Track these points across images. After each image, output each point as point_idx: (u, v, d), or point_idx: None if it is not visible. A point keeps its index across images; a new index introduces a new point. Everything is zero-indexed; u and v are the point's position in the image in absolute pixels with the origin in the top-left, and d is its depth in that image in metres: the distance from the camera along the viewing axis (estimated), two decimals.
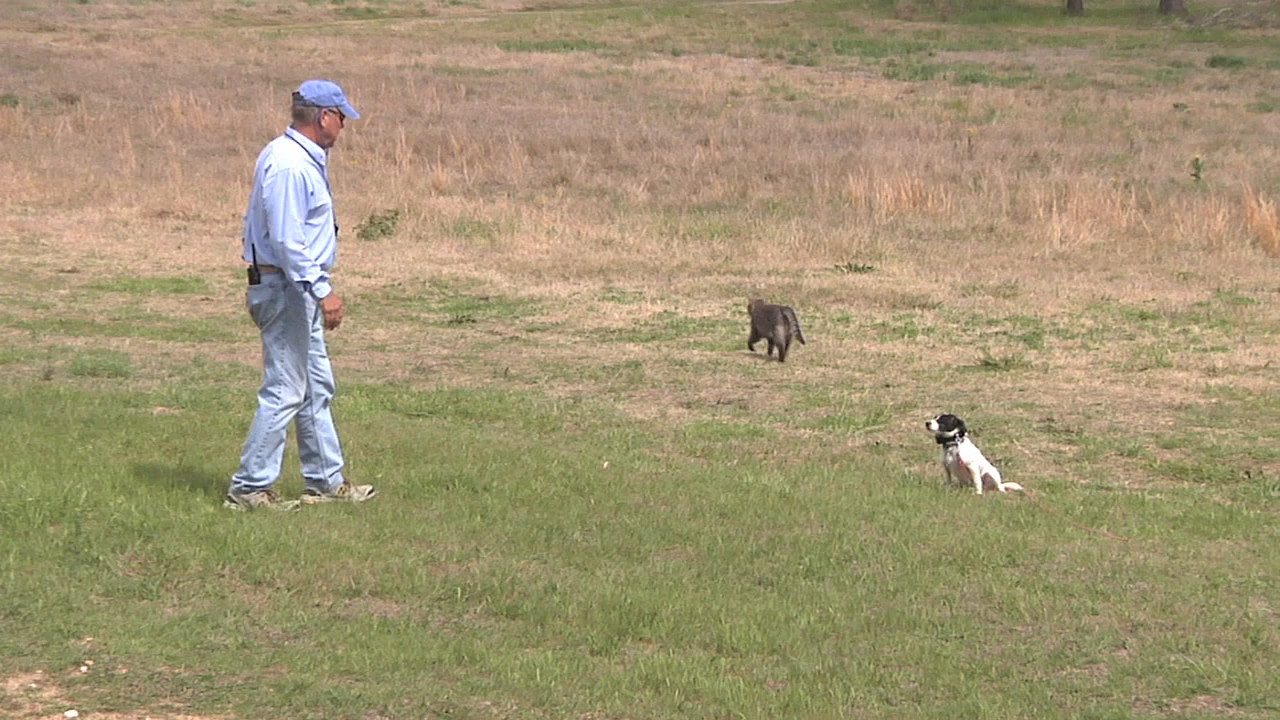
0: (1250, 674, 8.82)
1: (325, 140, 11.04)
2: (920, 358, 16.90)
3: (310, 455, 11.33)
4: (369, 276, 20.35)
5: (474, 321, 18.21)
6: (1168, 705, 8.46)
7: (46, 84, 37.69)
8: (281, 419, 11.09)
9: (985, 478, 12.38)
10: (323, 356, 11.23)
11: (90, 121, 32.18)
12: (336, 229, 11.16)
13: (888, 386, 15.64)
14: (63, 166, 27.80)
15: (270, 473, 11.14)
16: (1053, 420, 14.51)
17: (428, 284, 20.07)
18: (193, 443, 12.59)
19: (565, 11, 58.98)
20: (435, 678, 8.49)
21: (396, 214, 23.56)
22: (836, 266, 21.26)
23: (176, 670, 8.46)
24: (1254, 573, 10.47)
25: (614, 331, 17.93)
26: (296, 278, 10.80)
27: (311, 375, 11.15)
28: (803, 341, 16.86)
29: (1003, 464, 12.92)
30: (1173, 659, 9.02)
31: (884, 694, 8.48)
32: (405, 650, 8.80)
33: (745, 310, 17.22)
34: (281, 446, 11.20)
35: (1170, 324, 18.25)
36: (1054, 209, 24.42)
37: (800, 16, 57.51)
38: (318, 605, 9.50)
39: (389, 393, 14.84)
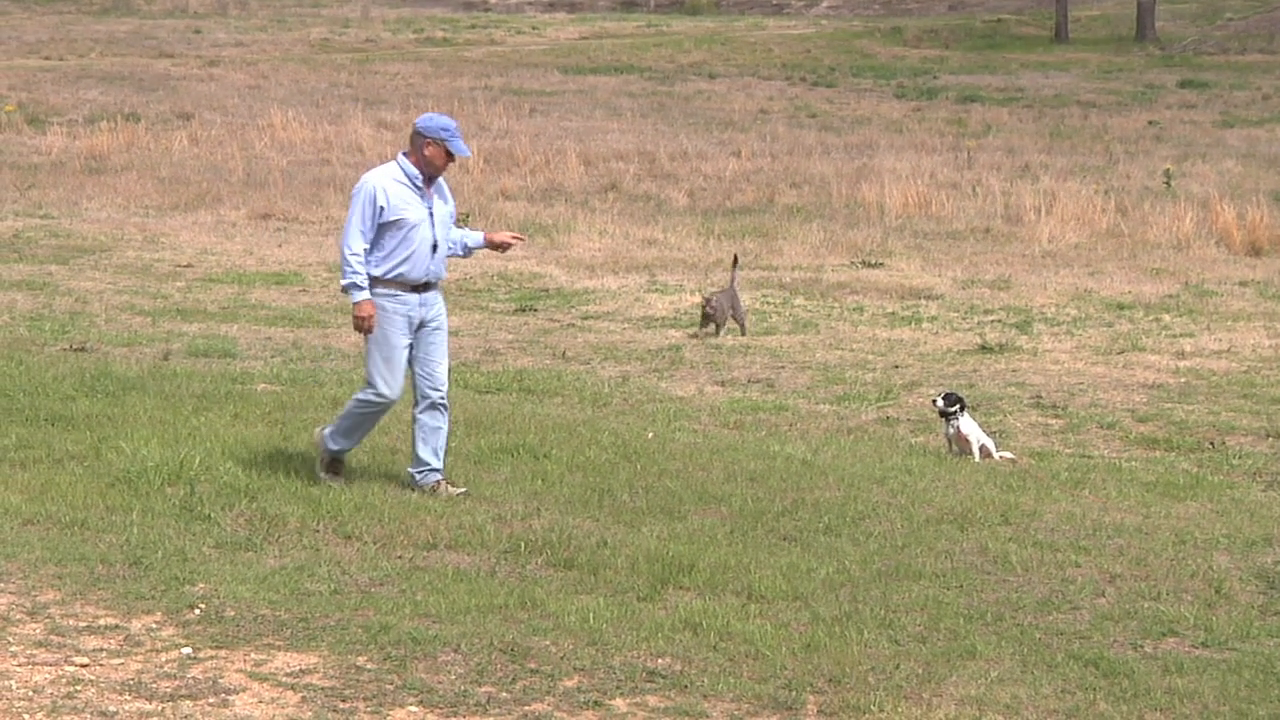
0: (1214, 619, 8.79)
1: (426, 168, 10.75)
2: (925, 342, 16.86)
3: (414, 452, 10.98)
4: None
5: (536, 310, 18.21)
6: (1141, 646, 8.43)
7: (166, 103, 37.76)
8: (369, 411, 10.80)
9: (982, 447, 12.36)
10: (438, 363, 10.85)
11: (203, 136, 32.25)
12: (435, 247, 10.83)
13: (897, 368, 15.61)
14: (179, 175, 27.86)
15: (339, 444, 10.86)
16: (1041, 397, 14.46)
17: (495, 278, 20.08)
18: (292, 415, 12.61)
19: (616, 40, 58.89)
20: (502, 620, 8.49)
21: (468, 216, 23.54)
22: (852, 263, 21.21)
23: (277, 613, 8.48)
24: (1218, 531, 10.43)
25: (658, 319, 17.91)
26: (342, 281, 10.67)
27: (421, 378, 10.82)
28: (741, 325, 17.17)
29: (997, 435, 12.88)
30: (1146, 606, 8.99)
31: (893, 636, 8.46)
32: (475, 596, 8.80)
33: (704, 308, 17.07)
34: (359, 434, 10.91)
35: (1144, 313, 18.17)
36: (1043, 213, 24.32)
37: (821, 44, 57.34)
38: (400, 557, 9.51)
39: (461, 372, 14.83)
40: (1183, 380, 15.09)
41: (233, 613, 8.47)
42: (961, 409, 12.42)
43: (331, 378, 14.23)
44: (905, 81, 46.19)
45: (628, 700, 7.60)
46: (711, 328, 16.95)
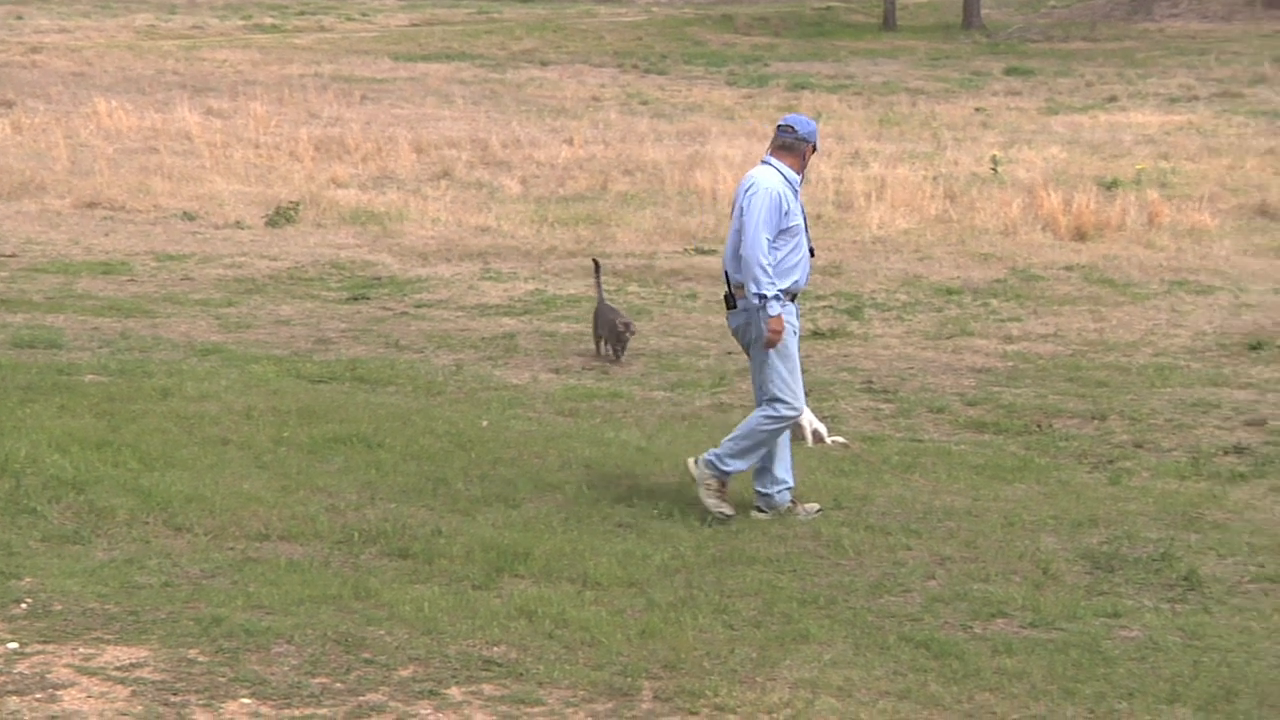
0: (1042, 600, 8.92)
1: (802, 170, 10.51)
2: None
3: (762, 470, 10.61)
4: (275, 260, 20.17)
5: (368, 299, 18.09)
6: (971, 627, 8.54)
7: None
8: (772, 429, 10.42)
9: (815, 432, 12.43)
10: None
11: (26, 124, 31.66)
12: (812, 252, 10.59)
13: (730, 354, 15.67)
14: (1, 164, 27.36)
15: (736, 466, 10.42)
16: (872, 382, 14.59)
17: (327, 266, 19.92)
18: (120, 406, 12.44)
19: (447, 27, 58.62)
20: (336, 611, 8.44)
21: (299, 204, 23.35)
22: (685, 249, 21.26)
23: (106, 606, 8.37)
24: (1045, 512, 10.59)
25: (492, 307, 17.86)
26: (754, 289, 10.21)
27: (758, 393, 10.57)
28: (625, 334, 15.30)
29: (830, 420, 12.98)
30: (975, 588, 9.10)
31: (728, 621, 8.51)
32: (309, 587, 8.74)
33: (625, 333, 15.27)
34: (760, 453, 10.46)
35: (973, 298, 18.38)
36: (873, 199, 24.51)
37: (653, 32, 57.45)
38: (232, 548, 9.43)
39: (294, 361, 14.73)
40: (1010, 364, 15.29)
41: (60, 607, 8.35)
42: None
43: (161, 368, 14.05)
44: (736, 69, 46.36)
45: (463, 689, 7.58)
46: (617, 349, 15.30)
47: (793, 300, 10.48)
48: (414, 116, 34.59)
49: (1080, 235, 22.03)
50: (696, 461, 10.58)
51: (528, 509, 10.34)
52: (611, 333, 14.98)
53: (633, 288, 18.96)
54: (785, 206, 10.29)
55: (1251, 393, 14.17)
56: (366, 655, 7.90)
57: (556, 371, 14.92)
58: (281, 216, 22.86)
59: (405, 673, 7.73)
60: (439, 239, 21.81)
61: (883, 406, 13.83)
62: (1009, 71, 45.33)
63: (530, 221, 23.00)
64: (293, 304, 17.63)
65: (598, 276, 15.90)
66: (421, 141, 30.21)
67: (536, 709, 7.42)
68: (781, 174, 10.41)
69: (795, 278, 10.41)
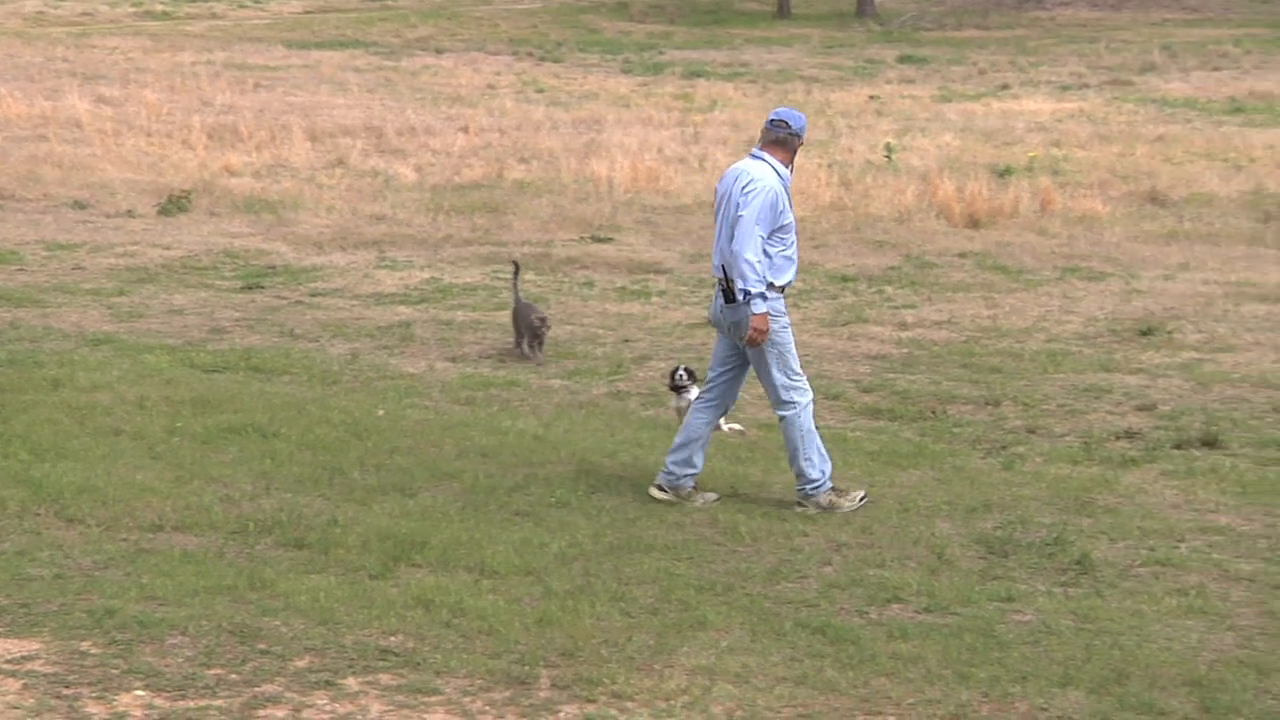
0: (936, 584, 8.98)
1: (791, 164, 10.48)
2: (654, 316, 16.96)
3: (681, 447, 10.65)
4: (168, 249, 20.01)
5: (263, 288, 17.97)
6: (867, 613, 8.59)
7: None
8: (805, 418, 10.46)
9: None
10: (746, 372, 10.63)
11: None
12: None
13: (627, 341, 15.68)
14: None
15: (825, 467, 10.46)
16: None
17: (221, 255, 19.77)
18: (10, 397, 12.31)
19: (340, 14, 58.31)
20: (231, 602, 8.39)
21: (192, 193, 23.16)
22: (582, 237, 21.25)
23: None
24: (939, 498, 10.66)
25: (387, 296, 17.79)
26: (740, 285, 10.18)
27: (720, 379, 10.68)
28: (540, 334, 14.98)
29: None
30: (871, 573, 9.15)
31: (625, 608, 8.52)
32: (204, 578, 8.69)
33: (541, 327, 14.88)
34: (818, 438, 10.52)
35: (868, 285, 18.47)
36: None
37: (548, 19, 57.38)
38: (125, 539, 9.35)
39: (187, 351, 14.62)
40: (905, 351, 15.38)
41: None
42: (692, 381, 12.52)
43: (52, 359, 13.91)
44: (632, 57, 46.37)
45: (360, 679, 7.56)
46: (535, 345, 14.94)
47: (780, 292, 10.46)
48: (308, 104, 34.38)
49: (974, 222, 22.19)
50: (800, 506, 10.46)
51: (424, 498, 10.31)
52: (529, 329, 14.85)
53: (529, 275, 18.93)
54: (781, 205, 10.33)
55: (1142, 378, 14.32)
56: (262, 646, 7.86)
57: (453, 360, 14.88)
58: (174, 205, 22.67)
59: (301, 663, 7.70)
60: (334, 227, 21.70)
61: None
62: (903, 59, 45.59)
63: (426, 210, 22.92)
64: (186, 293, 17.49)
65: (516, 277, 15.65)
66: (316, 129, 30.04)
67: (433, 698, 7.40)
68: (776, 170, 10.41)
69: (789, 275, 10.46)
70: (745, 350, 10.55)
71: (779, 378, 10.47)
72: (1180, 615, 8.58)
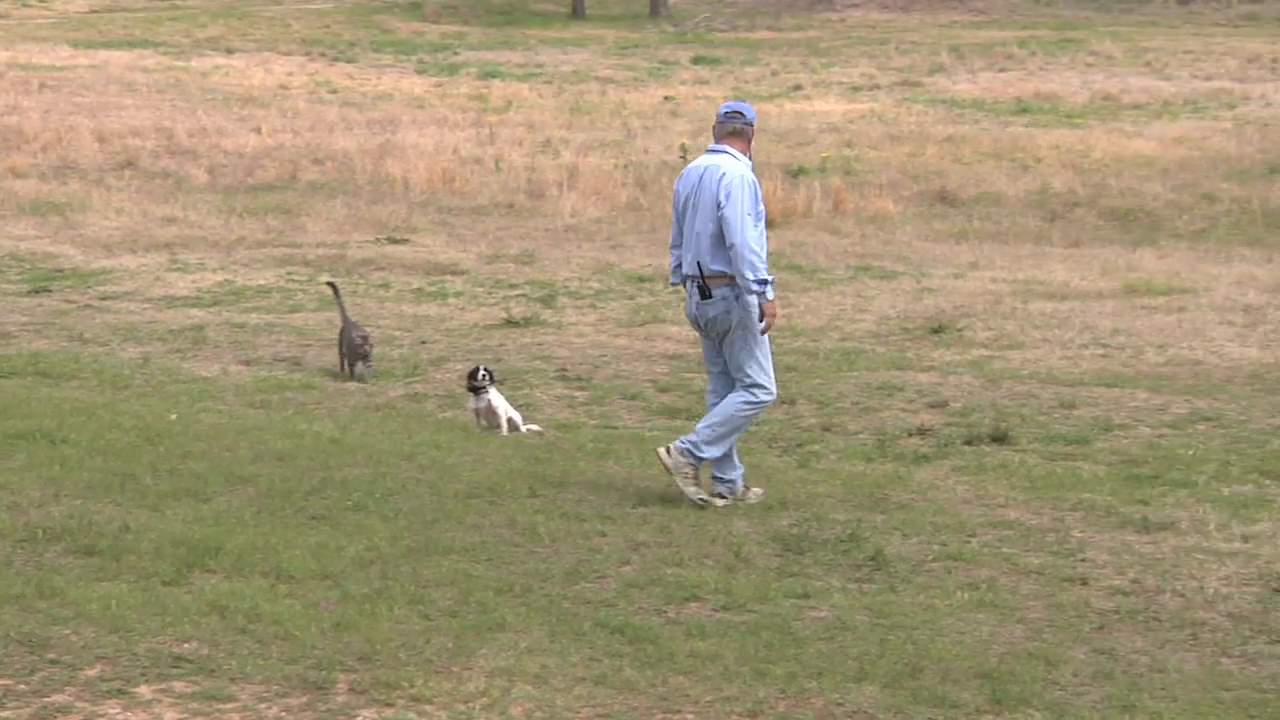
0: (734, 582, 9.04)
1: (749, 154, 10.53)
2: (452, 318, 16.93)
3: (724, 457, 10.60)
4: None
5: (50, 291, 17.67)
6: (665, 611, 8.62)
7: None
8: (750, 413, 10.49)
9: (510, 420, 12.47)
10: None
11: None
12: None
13: (424, 343, 15.63)
14: None
15: (712, 452, 10.43)
16: (566, 370, 14.67)
17: (6, 258, 19.41)
18: None
19: (128, 14, 57.49)
20: (19, 611, 8.23)
21: None
22: (377, 239, 21.15)
23: None
24: None
25: (179, 299, 17.58)
26: (751, 276, 10.13)
27: (721, 373, 10.64)
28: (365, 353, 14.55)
29: (524, 408, 13.01)
30: (669, 572, 9.19)
31: (424, 611, 8.48)
32: None
33: (364, 345, 14.45)
34: (735, 438, 10.54)
35: (664, 285, 18.57)
36: (565, 187, 24.63)
37: (340, 19, 57.01)
38: None
39: None
40: (701, 350, 15.46)
41: None
42: (491, 382, 12.52)
43: None
44: (426, 57, 46.24)
45: (153, 687, 7.45)
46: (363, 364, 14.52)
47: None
48: (96, 105, 33.86)
49: (768, 222, 22.40)
50: (669, 450, 10.56)
51: (219, 503, 10.19)
52: (350, 349, 14.51)
53: (324, 278, 18.80)
54: (759, 191, 10.51)
55: (934, 375, 14.54)
56: (51, 655, 7.72)
57: (247, 363, 14.73)
58: None
59: (92, 672, 7.57)
60: (124, 230, 21.39)
61: (577, 394, 13.90)
62: (696, 60, 45.92)
63: (218, 211, 22.68)
64: None
65: (338, 298, 15.17)
66: (104, 130, 29.60)
67: (229, 705, 7.31)
68: (741, 161, 10.52)
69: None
70: (721, 343, 10.63)
71: (754, 365, 10.52)
72: (971, 609, 8.72)
